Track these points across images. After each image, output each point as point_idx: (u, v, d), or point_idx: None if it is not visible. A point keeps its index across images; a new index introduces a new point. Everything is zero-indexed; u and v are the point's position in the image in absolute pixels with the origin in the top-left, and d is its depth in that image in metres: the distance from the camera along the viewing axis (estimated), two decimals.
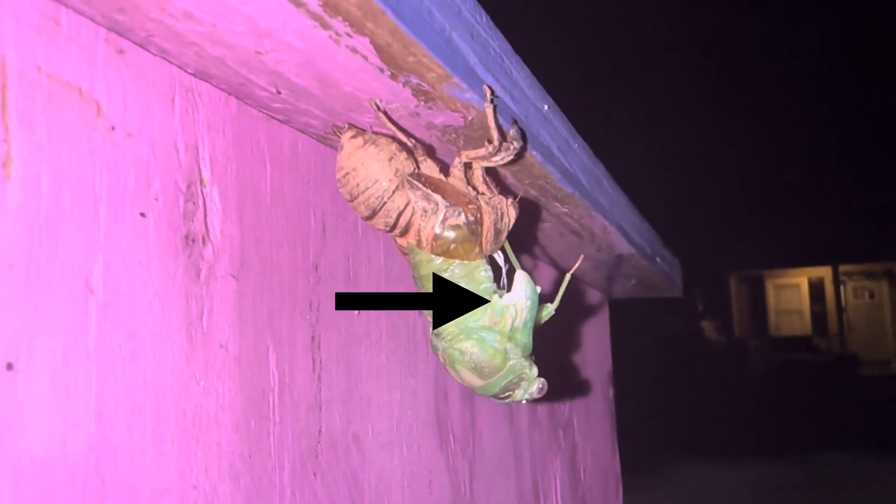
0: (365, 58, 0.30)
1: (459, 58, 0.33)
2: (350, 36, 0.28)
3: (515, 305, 0.36)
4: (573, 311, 0.88)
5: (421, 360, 0.48)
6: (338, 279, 0.41)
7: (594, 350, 0.95)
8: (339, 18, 0.27)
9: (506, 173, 0.46)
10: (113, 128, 0.28)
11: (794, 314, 8.79)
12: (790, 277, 8.90)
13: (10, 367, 0.23)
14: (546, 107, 0.45)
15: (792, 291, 8.87)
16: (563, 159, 0.48)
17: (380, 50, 0.30)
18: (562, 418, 0.77)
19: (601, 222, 0.60)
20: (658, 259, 0.86)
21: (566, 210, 0.56)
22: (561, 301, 0.39)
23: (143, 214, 0.28)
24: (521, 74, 0.41)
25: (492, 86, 0.36)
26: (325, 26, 0.28)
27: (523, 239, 0.64)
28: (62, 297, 0.25)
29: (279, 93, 0.33)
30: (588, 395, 0.88)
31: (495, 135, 0.36)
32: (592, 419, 0.89)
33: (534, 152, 0.43)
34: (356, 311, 0.42)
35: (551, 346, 0.77)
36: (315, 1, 0.26)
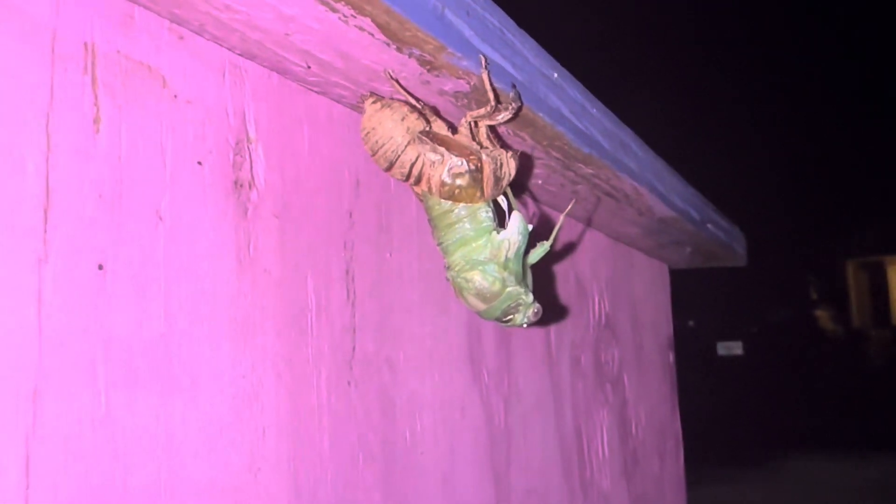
0: (371, 34, 0.38)
1: (454, 31, 0.40)
2: (355, 17, 0.36)
3: (509, 239, 0.43)
4: (628, 278, 0.92)
5: (453, 302, 0.55)
6: (370, 225, 0.48)
7: (652, 315, 0.99)
8: (343, 3, 0.35)
9: (524, 135, 0.53)
10: (175, 96, 0.36)
11: None
12: None
13: (100, 267, 0.32)
14: (555, 74, 0.51)
15: None
16: (577, 121, 0.54)
17: (381, 27, 0.37)
18: (610, 374, 0.82)
19: (630, 183, 0.65)
20: (709, 225, 0.89)
21: (592, 171, 0.61)
22: (555, 239, 0.45)
23: (199, 163, 0.37)
24: (524, 45, 0.48)
25: (489, 55, 0.43)
26: (333, 10, 0.35)
27: (561, 202, 0.70)
28: (138, 221, 0.34)
29: (309, 67, 0.41)
30: (642, 357, 0.93)
31: (492, 96, 0.43)
32: (647, 379, 0.94)
33: (540, 113, 0.49)
34: (388, 253, 0.50)
35: (602, 309, 0.82)
36: None
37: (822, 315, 8.01)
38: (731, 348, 7.49)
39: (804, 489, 4.17)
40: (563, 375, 0.72)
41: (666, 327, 1.03)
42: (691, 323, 7.23)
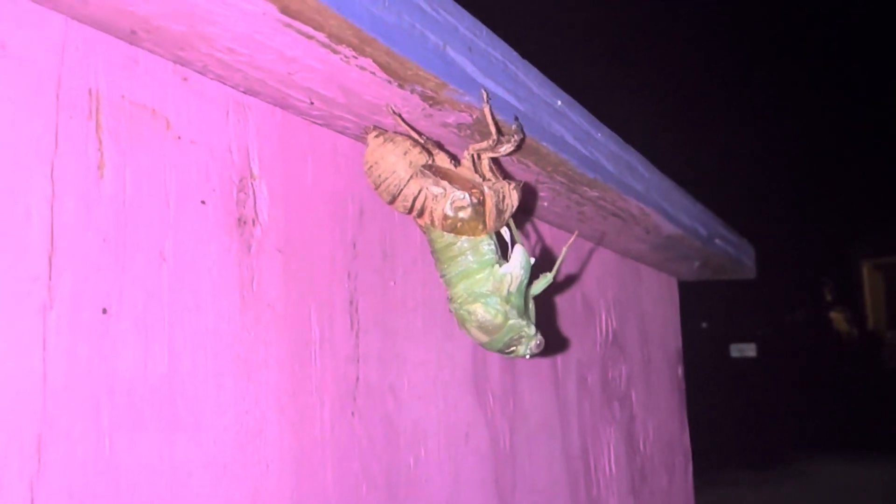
0: (373, 73, 0.38)
1: (455, 68, 0.40)
2: (356, 58, 0.36)
3: (511, 273, 0.43)
4: (635, 293, 0.92)
5: (457, 327, 0.55)
6: (374, 255, 0.49)
7: (661, 329, 0.99)
8: (344, 45, 0.35)
9: (528, 162, 0.53)
10: (179, 137, 0.37)
11: None
12: None
13: (105, 311, 0.32)
14: (559, 102, 0.52)
15: None
16: (581, 147, 0.54)
17: (382, 67, 0.37)
18: (617, 391, 0.82)
19: (636, 204, 0.65)
20: (717, 240, 0.89)
21: (597, 193, 0.61)
22: (557, 272, 0.46)
23: (203, 202, 0.37)
24: (528, 76, 0.48)
25: (492, 89, 0.43)
26: (335, 52, 0.35)
27: (568, 222, 0.70)
28: (142, 263, 0.34)
29: (312, 103, 0.41)
30: (650, 372, 0.93)
31: (493, 130, 0.43)
32: (656, 395, 0.93)
33: (544, 143, 0.49)
34: (392, 282, 0.50)
35: (609, 326, 0.82)
36: (321, 35, 0.34)
37: (837, 317, 7.94)
38: (745, 350, 7.44)
39: (818, 491, 4.14)
40: (570, 395, 0.72)
41: (675, 340, 1.03)
42: (704, 325, 7.19)
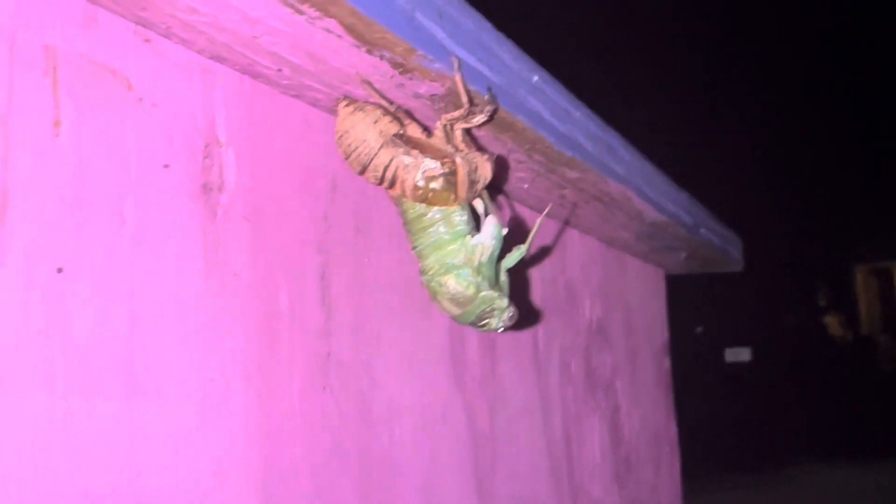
0: (339, 37, 0.37)
1: (424, 33, 0.39)
2: (321, 19, 0.36)
3: (482, 244, 0.42)
4: (621, 283, 0.92)
5: (436, 307, 0.55)
6: (347, 230, 0.48)
7: (647, 321, 0.98)
8: (307, 5, 0.34)
9: (505, 138, 0.52)
10: (141, 99, 0.36)
11: None
12: None
13: (60, 270, 0.32)
14: (536, 77, 0.51)
15: None
16: (559, 124, 0.54)
17: (348, 29, 0.37)
18: (601, 379, 0.82)
19: (617, 187, 0.65)
20: (703, 230, 0.89)
21: (577, 175, 0.61)
22: (530, 243, 0.45)
23: (166, 166, 0.37)
24: (502, 48, 0.47)
25: (464, 58, 0.43)
26: (299, 12, 0.35)
27: (547, 206, 0.69)
28: (100, 223, 0.33)
29: (281, 70, 0.41)
30: (636, 363, 0.92)
31: (465, 99, 0.42)
32: (641, 386, 0.93)
33: (519, 116, 0.49)
34: (366, 259, 0.49)
35: (593, 314, 0.82)
36: None
37: (831, 321, 7.95)
38: (739, 354, 7.43)
39: (814, 496, 4.14)
40: (552, 381, 0.71)
41: (661, 333, 1.02)
42: (699, 329, 7.19)
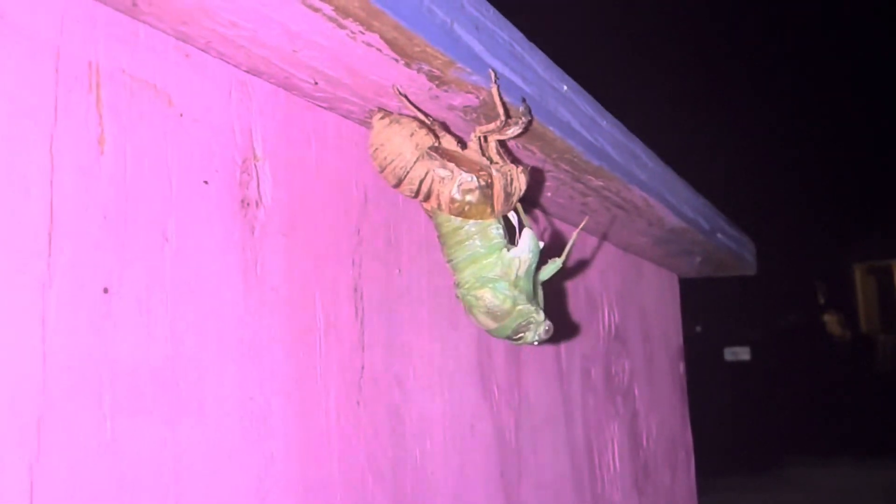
0: (379, 50, 0.37)
1: (463, 46, 0.39)
2: (363, 33, 0.35)
3: (519, 257, 0.42)
4: (637, 288, 0.91)
5: (463, 317, 0.54)
6: (378, 242, 0.48)
7: (662, 326, 0.98)
8: (350, 19, 0.34)
9: (533, 148, 0.52)
10: (181, 115, 0.36)
11: None
12: None
13: (106, 290, 0.31)
14: (565, 87, 0.51)
15: None
16: (587, 134, 0.53)
17: (389, 43, 0.36)
18: (620, 386, 0.81)
19: (640, 194, 0.65)
20: (719, 235, 0.89)
21: (602, 183, 0.61)
22: (567, 256, 0.45)
23: (206, 182, 0.36)
24: (534, 58, 0.47)
25: (499, 69, 0.42)
26: (341, 26, 0.35)
27: (570, 214, 0.69)
28: (144, 242, 0.33)
29: (316, 83, 0.40)
30: (652, 368, 0.92)
31: (501, 111, 0.42)
32: (658, 391, 0.93)
33: (551, 127, 0.49)
34: (397, 270, 0.49)
35: (611, 320, 0.81)
36: (328, 6, 0.33)
37: (830, 320, 7.96)
38: (739, 354, 7.44)
39: (813, 496, 4.14)
40: (574, 388, 0.71)
41: (676, 337, 1.02)
42: (698, 329, 7.19)
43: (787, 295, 7.64)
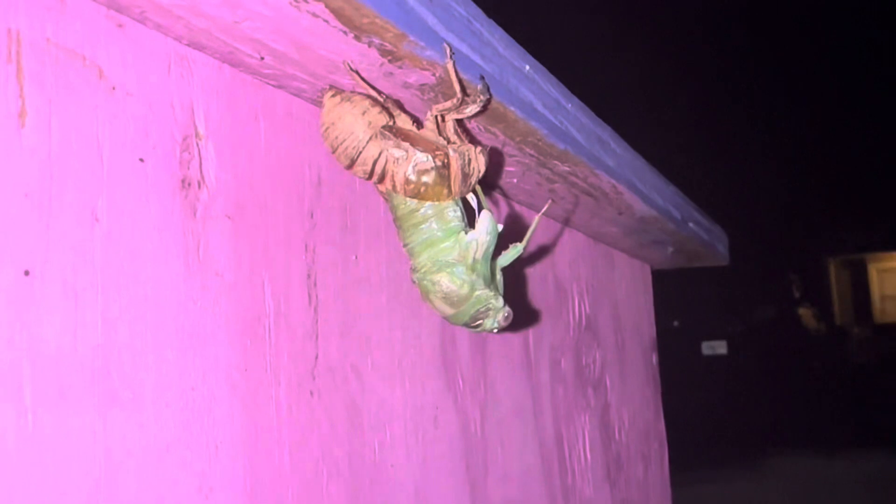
0: (326, 21, 0.35)
1: (415, 18, 0.37)
2: (307, 2, 0.33)
3: (477, 240, 0.40)
4: (609, 279, 0.90)
5: (425, 306, 0.53)
6: (333, 226, 0.46)
7: (635, 316, 0.97)
8: None
9: (496, 130, 0.50)
10: (114, 88, 0.33)
11: None
12: (895, 260, 8.43)
13: (27, 273, 0.29)
14: (527, 67, 0.49)
15: None
16: (551, 116, 0.52)
17: (336, 13, 0.35)
18: (591, 377, 0.80)
19: (608, 180, 0.63)
20: (691, 224, 0.88)
21: (568, 168, 0.59)
22: (528, 241, 0.43)
23: (141, 160, 0.34)
24: (494, 36, 0.45)
25: (455, 45, 0.41)
26: None
27: (538, 202, 0.67)
28: (71, 222, 0.31)
29: (263, 58, 0.38)
30: (624, 359, 0.91)
31: (458, 88, 0.40)
32: (630, 382, 0.92)
33: (512, 107, 0.47)
34: (354, 256, 0.47)
35: (582, 310, 0.80)
36: None
37: (805, 313, 8.05)
38: (716, 348, 7.50)
39: (789, 487, 4.19)
40: (543, 379, 0.69)
41: (649, 328, 1.01)
42: (676, 323, 7.24)
43: (762, 289, 7.71)
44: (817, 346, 7.59)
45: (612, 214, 0.74)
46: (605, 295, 0.87)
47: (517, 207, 0.67)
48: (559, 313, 0.74)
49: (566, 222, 0.76)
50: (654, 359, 1.01)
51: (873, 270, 8.55)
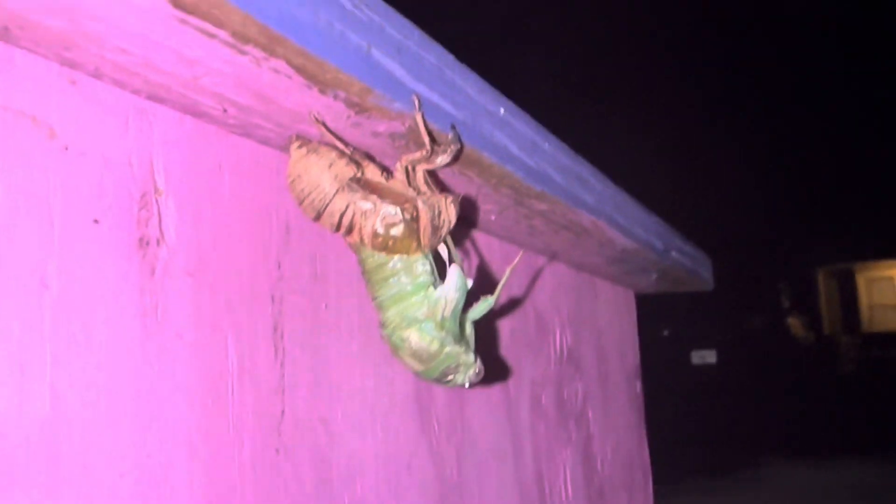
0: (289, 77, 0.34)
1: (381, 72, 0.36)
2: (267, 59, 0.32)
3: (445, 297, 0.39)
4: (591, 308, 0.89)
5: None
6: (303, 276, 0.45)
7: (618, 344, 0.96)
8: (251, 45, 0.31)
9: (470, 174, 0.50)
10: (66, 148, 0.32)
11: (888, 309, 8.34)
12: (883, 270, 8.46)
13: None
14: (502, 110, 0.48)
15: (885, 285, 8.42)
16: (527, 158, 0.51)
17: (298, 69, 0.34)
18: (573, 410, 0.79)
19: (588, 217, 0.62)
20: (674, 253, 0.87)
21: (545, 206, 0.58)
22: (499, 296, 0.42)
23: (96, 220, 0.33)
24: (466, 82, 0.44)
25: (424, 95, 0.40)
26: (242, 52, 0.32)
27: (518, 236, 0.67)
28: (19, 291, 0.30)
29: (226, 111, 0.37)
30: (607, 389, 0.90)
31: (426, 140, 0.39)
32: (612, 411, 0.91)
33: (485, 153, 0.46)
34: (324, 305, 0.46)
35: (563, 342, 0.79)
36: (223, 32, 0.30)
37: (794, 322, 8.08)
38: (705, 357, 7.52)
39: (778, 495, 4.19)
40: (523, 417, 0.68)
41: (633, 355, 1.00)
42: (665, 333, 7.25)
43: (752, 298, 7.73)
44: (806, 354, 7.61)
45: (594, 247, 0.74)
46: (587, 325, 0.86)
47: (496, 243, 0.66)
48: (540, 348, 0.74)
49: (547, 255, 0.75)
50: (638, 387, 1.01)
51: (861, 280, 8.58)
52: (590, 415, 0.83)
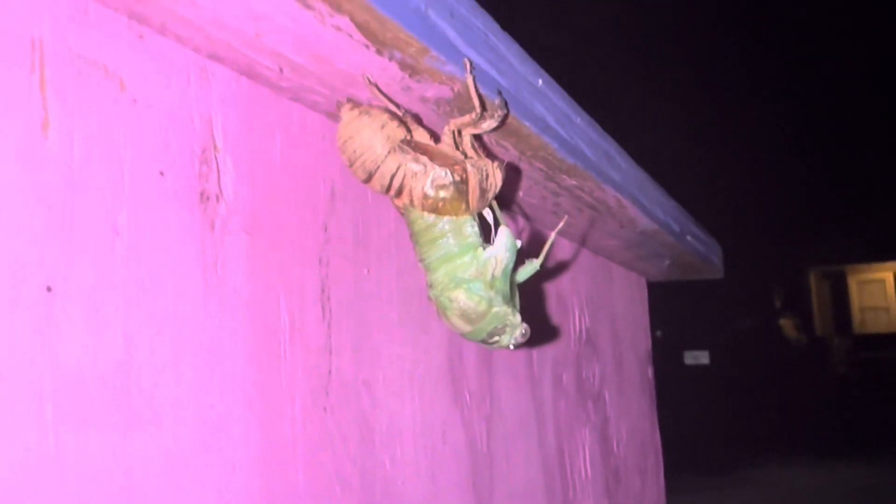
0: (350, 35, 0.35)
1: (437, 33, 0.37)
2: (332, 15, 0.33)
3: (496, 256, 0.40)
4: (607, 292, 0.90)
5: (434, 320, 0.52)
6: (346, 240, 0.45)
7: (631, 329, 0.97)
8: (320, 0, 0.32)
9: (507, 144, 0.50)
10: (135, 100, 0.33)
11: (879, 311, 8.40)
12: (874, 272, 8.53)
13: (49, 289, 0.28)
14: (540, 81, 0.49)
15: (876, 287, 8.49)
16: (562, 130, 0.52)
17: (360, 27, 0.34)
18: (591, 390, 0.80)
19: (613, 194, 0.63)
20: (689, 237, 0.88)
21: (575, 182, 0.59)
22: (545, 258, 0.43)
23: (162, 173, 0.34)
24: (510, 51, 0.45)
25: (474, 60, 0.41)
26: (309, 7, 0.32)
27: (542, 215, 0.67)
28: (93, 236, 0.30)
29: (282, 71, 0.38)
30: (622, 372, 0.91)
31: (477, 103, 0.40)
32: (627, 395, 0.92)
33: (526, 122, 0.47)
34: (366, 270, 0.47)
35: (582, 324, 0.80)
36: None
37: (786, 323, 8.12)
38: (698, 357, 7.53)
39: (770, 496, 4.21)
40: (546, 394, 0.69)
41: (644, 341, 1.01)
42: (658, 333, 7.27)
43: (744, 299, 7.77)
44: (798, 356, 7.65)
45: (614, 227, 0.74)
46: (603, 308, 0.87)
47: (521, 221, 0.67)
48: (561, 327, 0.74)
49: (569, 236, 0.76)
50: (650, 372, 1.02)
51: (853, 282, 8.64)
52: (606, 397, 0.84)
